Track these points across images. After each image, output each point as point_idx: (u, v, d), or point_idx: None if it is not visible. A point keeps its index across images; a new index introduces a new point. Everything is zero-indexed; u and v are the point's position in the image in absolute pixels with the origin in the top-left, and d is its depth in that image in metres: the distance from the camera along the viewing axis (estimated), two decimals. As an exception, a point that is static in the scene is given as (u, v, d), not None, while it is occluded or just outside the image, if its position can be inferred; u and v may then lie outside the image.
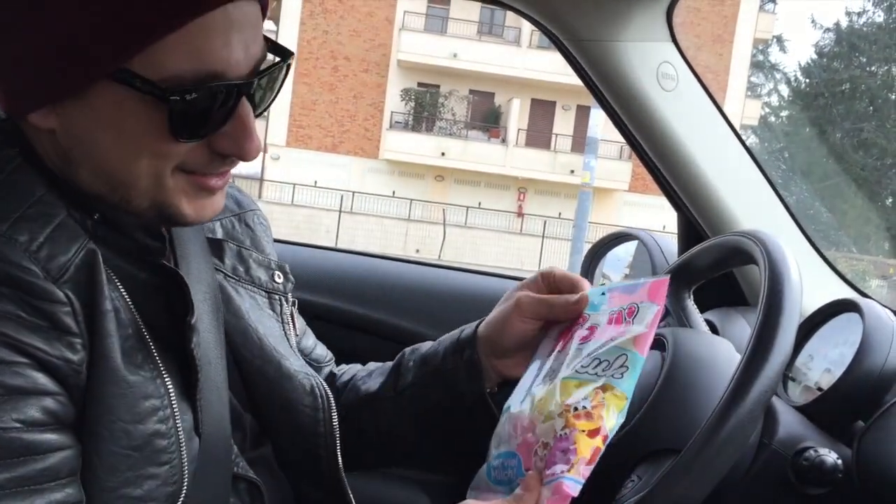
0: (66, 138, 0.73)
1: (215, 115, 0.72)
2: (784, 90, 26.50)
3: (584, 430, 0.72)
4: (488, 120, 25.83)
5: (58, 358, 0.67)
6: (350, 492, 0.93)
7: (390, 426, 0.98)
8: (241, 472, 0.83)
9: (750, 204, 1.35)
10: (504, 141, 25.13)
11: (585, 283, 0.89)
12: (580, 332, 0.84)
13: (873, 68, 24.39)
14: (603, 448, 0.73)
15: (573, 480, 0.70)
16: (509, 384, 0.95)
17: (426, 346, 1.00)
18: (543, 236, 22.56)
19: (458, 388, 0.94)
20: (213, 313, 0.86)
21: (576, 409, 0.74)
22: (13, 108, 0.74)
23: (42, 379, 0.66)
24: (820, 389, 1.07)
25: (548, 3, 1.28)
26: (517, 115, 24.99)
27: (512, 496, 0.74)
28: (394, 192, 24.21)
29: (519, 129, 25.15)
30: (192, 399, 0.77)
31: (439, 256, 20.84)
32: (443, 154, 24.80)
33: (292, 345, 0.97)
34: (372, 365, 1.08)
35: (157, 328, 0.76)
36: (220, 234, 0.95)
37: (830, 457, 0.94)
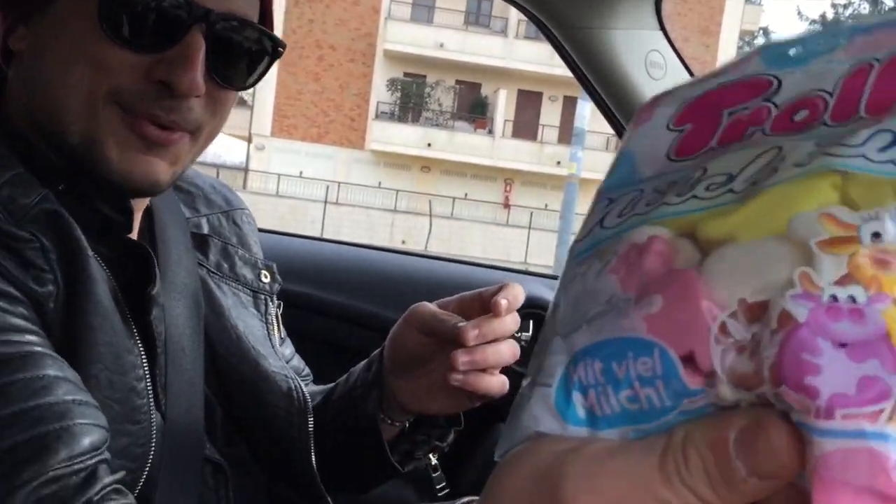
0: (29, 61, 0.74)
1: (155, 25, 0.71)
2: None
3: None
4: (475, 111, 25.83)
5: (24, 289, 0.66)
6: (327, 493, 0.91)
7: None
8: (209, 455, 0.81)
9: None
10: (491, 132, 25.15)
11: (502, 310, 0.78)
12: (766, 108, 0.33)
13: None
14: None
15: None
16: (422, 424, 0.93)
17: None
18: (530, 228, 22.61)
19: (357, 408, 0.91)
20: (192, 305, 0.84)
21: (876, 235, 0.26)
22: None
23: (13, 311, 0.65)
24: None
25: (537, -9, 1.27)
26: (504, 106, 25.00)
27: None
28: (380, 183, 24.19)
29: (506, 120, 25.16)
30: (153, 373, 0.76)
31: (425, 247, 20.85)
32: (429, 145, 24.78)
33: (275, 345, 0.95)
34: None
35: (128, 296, 0.75)
36: (205, 230, 0.94)
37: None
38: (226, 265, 0.94)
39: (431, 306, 0.85)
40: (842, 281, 0.26)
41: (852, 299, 0.25)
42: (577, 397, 0.30)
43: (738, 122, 0.33)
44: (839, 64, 0.32)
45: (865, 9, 24.82)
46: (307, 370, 1.07)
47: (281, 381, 0.90)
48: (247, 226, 1.00)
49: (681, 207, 0.31)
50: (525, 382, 0.34)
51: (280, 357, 0.95)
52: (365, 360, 0.95)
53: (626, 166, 0.37)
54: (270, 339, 0.95)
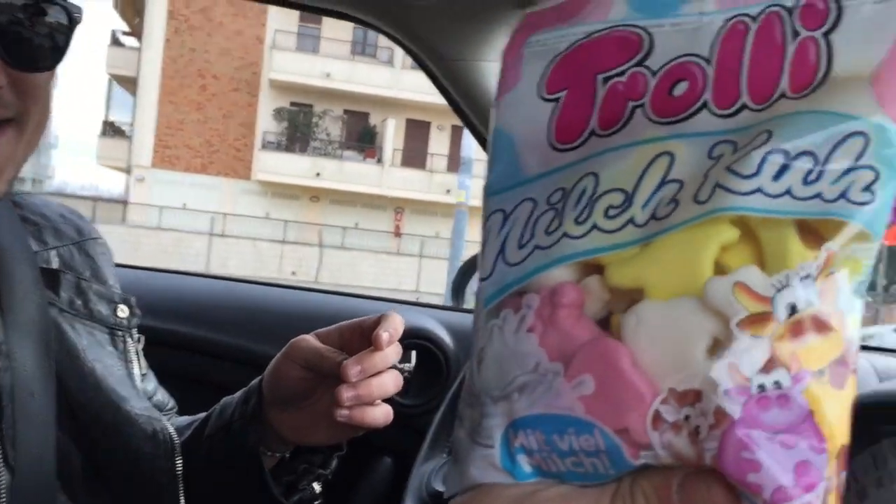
0: None
1: None
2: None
3: (825, 371, 0.28)
4: (363, 140, 25.82)
5: None
6: None
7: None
8: None
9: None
10: (380, 161, 25.17)
11: (383, 344, 0.77)
12: (641, 76, 0.33)
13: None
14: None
15: None
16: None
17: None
18: (421, 256, 22.69)
19: (236, 442, 0.86)
20: (42, 346, 0.79)
21: (793, 310, 0.28)
22: None
23: None
24: None
25: (411, 24, 1.28)
26: (392, 135, 25.10)
27: None
28: (268, 214, 23.76)
29: (394, 149, 25.25)
30: None
31: (316, 278, 20.58)
32: (318, 174, 24.57)
33: (136, 385, 0.90)
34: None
35: None
36: (55, 264, 0.88)
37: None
38: (79, 302, 0.88)
39: (312, 340, 0.82)
40: (766, 367, 0.27)
41: (778, 385, 0.27)
42: (521, 458, 0.32)
43: (616, 94, 0.33)
44: (711, 16, 0.31)
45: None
46: (172, 402, 1.02)
47: (145, 424, 0.84)
48: (101, 256, 0.94)
49: (585, 244, 0.31)
50: (461, 433, 0.34)
51: (142, 397, 0.89)
52: (240, 392, 0.90)
53: (507, 155, 0.35)
54: (131, 378, 0.89)
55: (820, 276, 0.28)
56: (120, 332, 0.91)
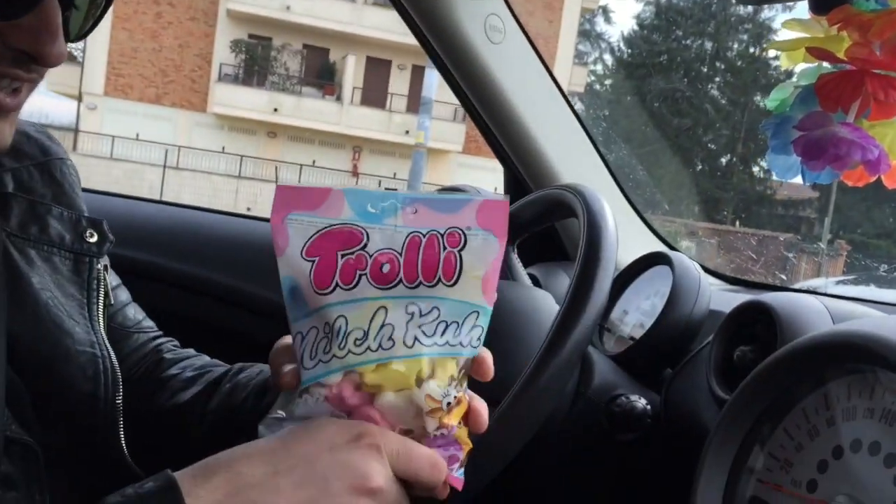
0: None
1: None
2: (609, 59, 27.74)
3: (461, 422, 0.61)
4: (323, 76, 25.33)
5: None
6: (142, 474, 0.83)
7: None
8: (14, 435, 0.72)
9: (572, 160, 1.38)
10: (339, 98, 24.77)
11: None
12: (363, 257, 0.57)
13: (688, 42, 25.99)
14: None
15: (461, 473, 0.63)
16: None
17: (255, 369, 0.91)
18: (378, 196, 22.50)
19: (242, 430, 0.81)
20: None
21: (448, 404, 0.59)
22: None
23: None
24: (633, 339, 1.12)
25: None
26: (352, 73, 24.66)
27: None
28: (223, 148, 23.30)
29: (354, 87, 24.84)
30: None
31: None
32: (275, 110, 24.10)
33: (94, 315, 0.85)
34: (203, 360, 0.98)
35: None
36: (9, 187, 0.82)
37: (640, 402, 0.97)
38: (34, 227, 0.82)
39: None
40: (439, 428, 0.59)
41: (443, 433, 0.59)
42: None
43: (349, 265, 0.56)
44: (400, 230, 0.56)
45: (695, -7, 26.24)
46: (154, 327, 0.99)
47: (86, 362, 0.81)
48: (68, 178, 0.88)
49: (345, 361, 0.56)
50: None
51: (95, 331, 0.84)
52: (255, 381, 0.87)
53: (294, 295, 0.57)
54: (89, 308, 0.84)
55: (460, 380, 0.60)
56: (86, 259, 0.86)
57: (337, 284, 0.56)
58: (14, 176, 0.83)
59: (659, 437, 0.99)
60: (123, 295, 0.98)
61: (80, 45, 24.02)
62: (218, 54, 24.34)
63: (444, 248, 0.57)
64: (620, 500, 1.04)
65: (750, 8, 25.04)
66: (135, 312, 0.98)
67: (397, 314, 0.57)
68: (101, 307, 0.86)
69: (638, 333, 1.10)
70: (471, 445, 0.62)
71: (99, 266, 0.87)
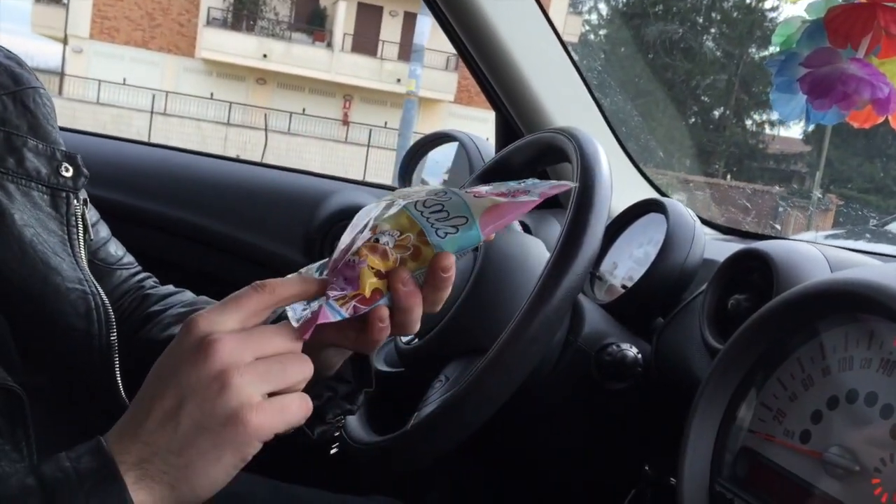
0: None
1: None
2: (603, 9, 27.37)
3: (373, 268, 0.62)
4: (313, 22, 24.91)
5: None
6: None
7: None
8: None
9: (566, 104, 1.34)
10: (329, 45, 24.40)
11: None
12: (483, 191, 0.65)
13: (684, -8, 25.66)
14: (385, 297, 0.63)
15: (335, 311, 0.60)
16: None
17: None
18: (369, 145, 22.36)
19: None
20: None
21: (377, 240, 0.62)
22: None
23: None
24: (624, 287, 1.09)
25: None
26: (343, 19, 24.26)
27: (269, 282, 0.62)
28: (212, 95, 22.99)
29: (345, 34, 24.46)
30: None
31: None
32: (265, 56, 23.73)
33: (77, 251, 0.82)
34: (188, 297, 0.96)
35: None
36: None
37: (631, 351, 0.96)
38: (11, 160, 0.79)
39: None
40: (355, 254, 0.62)
41: (353, 261, 0.62)
42: None
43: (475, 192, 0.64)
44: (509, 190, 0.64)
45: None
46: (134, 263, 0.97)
47: (77, 299, 0.79)
48: (42, 108, 0.85)
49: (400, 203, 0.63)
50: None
51: (79, 267, 0.82)
52: None
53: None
54: (71, 245, 0.82)
55: (402, 243, 0.64)
56: (63, 193, 0.83)
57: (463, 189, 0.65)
58: None
59: (649, 386, 0.97)
60: (104, 231, 0.95)
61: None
62: (206, -2, 23.88)
63: (505, 196, 0.63)
64: (609, 449, 1.03)
65: (748, -43, 24.71)
66: (115, 248, 0.96)
67: (433, 192, 0.64)
68: (81, 243, 0.84)
69: (629, 282, 1.08)
70: (366, 296, 0.61)
71: (76, 202, 0.84)
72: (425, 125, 21.09)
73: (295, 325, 0.60)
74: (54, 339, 0.78)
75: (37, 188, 0.81)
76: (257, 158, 20.25)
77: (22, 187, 0.80)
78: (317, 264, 0.68)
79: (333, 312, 0.60)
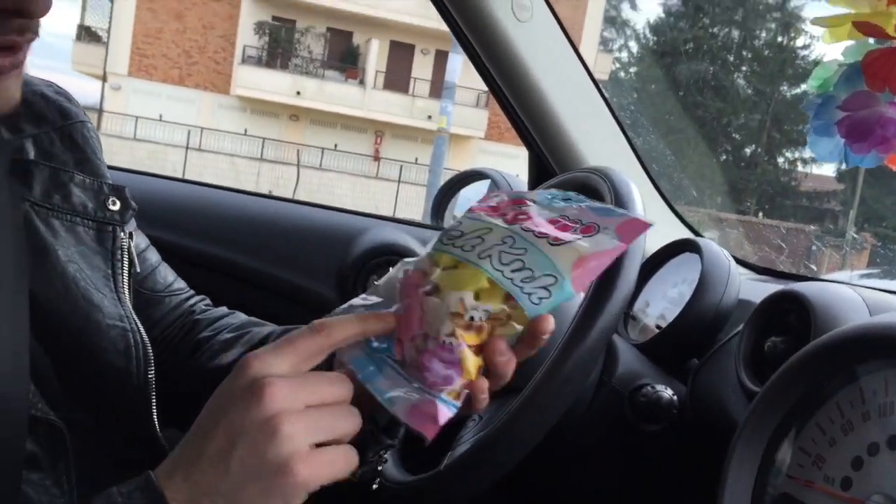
0: None
1: None
2: (634, 46, 27.46)
3: (471, 346, 0.58)
4: (346, 60, 25.28)
5: None
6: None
7: None
8: (40, 415, 0.71)
9: (599, 143, 1.35)
10: (362, 82, 24.72)
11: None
12: (512, 210, 0.65)
13: (714, 30, 25.67)
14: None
15: (451, 405, 0.57)
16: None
17: None
18: (399, 181, 22.52)
19: None
20: (9, 248, 0.71)
21: (472, 318, 0.58)
22: None
23: None
24: (658, 328, 1.09)
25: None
26: (376, 57, 24.59)
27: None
28: (246, 131, 23.36)
29: (377, 72, 24.78)
30: None
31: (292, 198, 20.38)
32: (298, 93, 24.10)
33: (120, 287, 0.82)
34: (239, 319, 0.96)
35: None
36: (31, 154, 0.80)
37: (666, 393, 0.95)
38: (57, 196, 0.79)
39: None
40: (449, 335, 0.58)
41: (450, 344, 0.58)
42: None
43: (499, 209, 0.65)
44: (553, 213, 0.63)
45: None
46: (187, 292, 0.98)
47: (117, 337, 0.79)
48: (90, 142, 0.85)
49: (436, 246, 0.63)
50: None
51: (122, 303, 0.82)
52: None
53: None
54: (115, 280, 0.82)
55: (497, 315, 0.60)
56: (109, 227, 0.83)
57: (482, 212, 0.65)
58: (35, 142, 0.81)
59: (684, 428, 0.96)
60: (153, 256, 0.95)
61: (105, 24, 24.14)
62: (242, 36, 24.36)
63: (575, 232, 0.60)
64: (644, 490, 1.02)
65: (779, -4, 24.70)
66: (165, 274, 0.95)
67: (494, 237, 0.61)
68: (126, 278, 0.84)
69: (663, 322, 1.08)
70: (473, 380, 0.59)
71: (123, 235, 0.84)
72: (456, 161, 21.21)
73: (391, 408, 0.58)
74: (93, 375, 0.78)
75: (82, 223, 0.81)
76: (289, 194, 20.48)
77: (67, 223, 0.80)
78: (342, 308, 0.66)
79: (450, 407, 0.58)
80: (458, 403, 0.58)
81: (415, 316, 0.59)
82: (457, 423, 0.93)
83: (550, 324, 0.61)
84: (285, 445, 0.55)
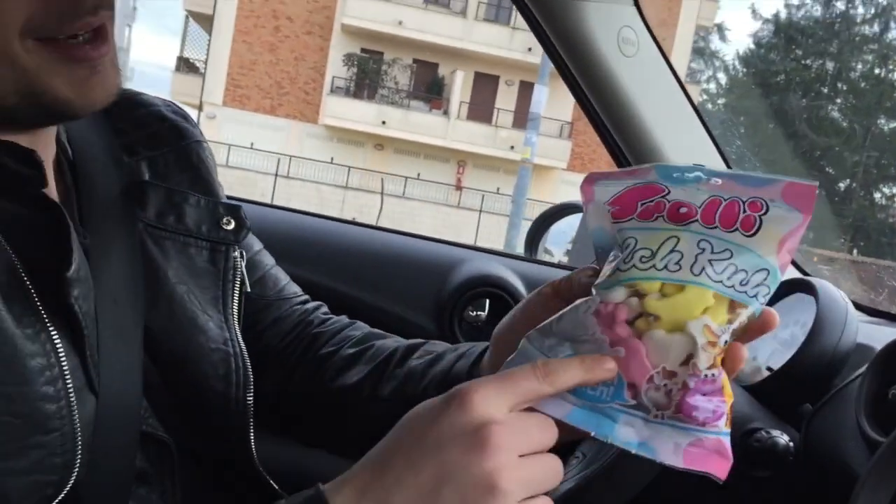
0: None
1: None
2: (722, 78, 26.98)
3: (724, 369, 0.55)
4: (431, 91, 25.65)
5: None
6: (267, 476, 0.82)
7: (356, 425, 0.85)
8: (150, 430, 0.72)
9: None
10: (446, 113, 25.01)
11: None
12: (662, 202, 0.60)
13: (808, 62, 25.00)
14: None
15: (724, 434, 0.54)
16: None
17: (428, 356, 0.85)
18: (481, 210, 22.61)
19: None
20: (126, 270, 0.75)
21: (726, 342, 0.54)
22: None
23: None
24: (770, 370, 1.05)
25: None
26: (460, 88, 24.86)
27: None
28: (332, 159, 23.88)
29: (461, 102, 25.04)
30: (82, 355, 0.66)
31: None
32: (383, 123, 24.54)
33: (229, 309, 0.82)
34: (361, 330, 0.93)
35: (39, 274, 0.63)
36: (146, 175, 0.81)
37: (782, 439, 0.91)
38: (171, 217, 0.80)
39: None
40: (710, 367, 0.54)
41: (713, 375, 0.54)
42: None
43: (647, 209, 0.59)
44: (702, 193, 0.58)
45: (818, 11, 25.26)
46: (300, 296, 0.96)
47: (218, 361, 0.79)
48: (206, 162, 0.86)
49: (630, 273, 0.57)
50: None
51: (228, 326, 0.82)
52: (433, 371, 0.82)
53: (600, 235, 0.62)
54: (224, 301, 0.81)
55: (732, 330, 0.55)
56: (222, 247, 0.82)
57: (633, 218, 0.59)
58: (150, 164, 0.82)
59: (798, 475, 0.92)
60: (267, 260, 0.94)
61: (202, 56, 25.17)
62: (331, 67, 25.02)
63: (745, 212, 0.56)
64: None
65: (876, 27, 23.92)
66: (275, 280, 0.94)
67: (689, 245, 0.56)
68: (235, 298, 0.83)
69: (775, 364, 1.04)
70: (732, 399, 0.55)
71: (235, 254, 0.83)
72: (538, 191, 21.16)
73: (654, 457, 0.55)
74: (192, 397, 0.79)
75: (195, 243, 0.81)
76: (372, 222, 20.81)
77: (179, 244, 0.80)
78: (515, 357, 0.60)
79: (726, 436, 0.55)
80: (729, 427, 0.55)
81: (642, 354, 0.55)
82: (562, 459, 0.92)
83: (776, 314, 0.58)
84: (498, 503, 0.52)
